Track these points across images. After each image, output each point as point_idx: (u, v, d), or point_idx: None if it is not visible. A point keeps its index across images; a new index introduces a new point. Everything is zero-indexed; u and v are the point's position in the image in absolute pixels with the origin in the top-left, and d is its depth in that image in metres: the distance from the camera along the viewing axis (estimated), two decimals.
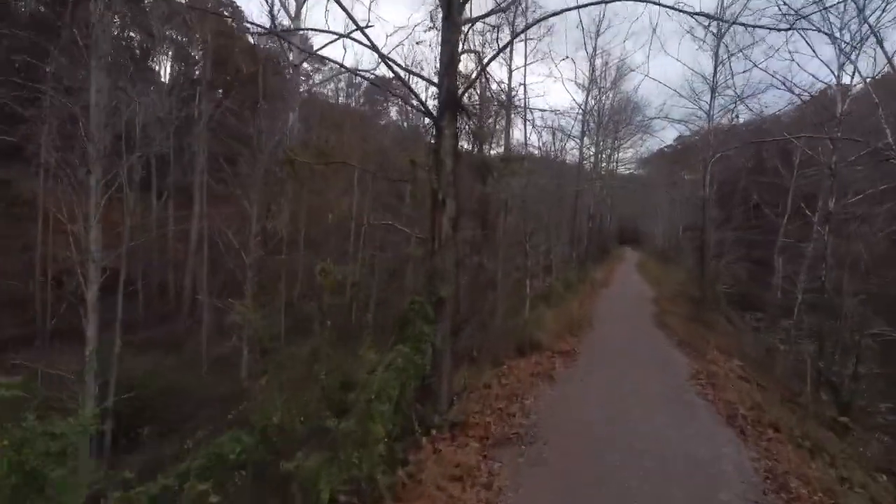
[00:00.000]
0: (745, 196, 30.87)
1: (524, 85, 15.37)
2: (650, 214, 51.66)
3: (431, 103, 6.69)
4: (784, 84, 10.75)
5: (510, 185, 15.20)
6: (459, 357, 9.90)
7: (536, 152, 29.76)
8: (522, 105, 15.76)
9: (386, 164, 18.38)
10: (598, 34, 23.47)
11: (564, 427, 6.35)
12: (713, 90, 15.15)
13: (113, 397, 10.28)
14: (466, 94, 8.04)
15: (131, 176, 12.61)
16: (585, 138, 27.62)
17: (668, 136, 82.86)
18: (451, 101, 6.01)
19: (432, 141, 6.03)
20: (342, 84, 31.98)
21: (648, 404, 7.25)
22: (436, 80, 6.19)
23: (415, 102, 6.45)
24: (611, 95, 28.75)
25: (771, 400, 8.67)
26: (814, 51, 10.21)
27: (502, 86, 14.11)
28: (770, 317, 24.06)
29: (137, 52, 24.27)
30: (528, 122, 15.54)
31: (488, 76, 7.03)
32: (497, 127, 14.96)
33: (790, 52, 11.32)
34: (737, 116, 14.96)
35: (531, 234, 16.53)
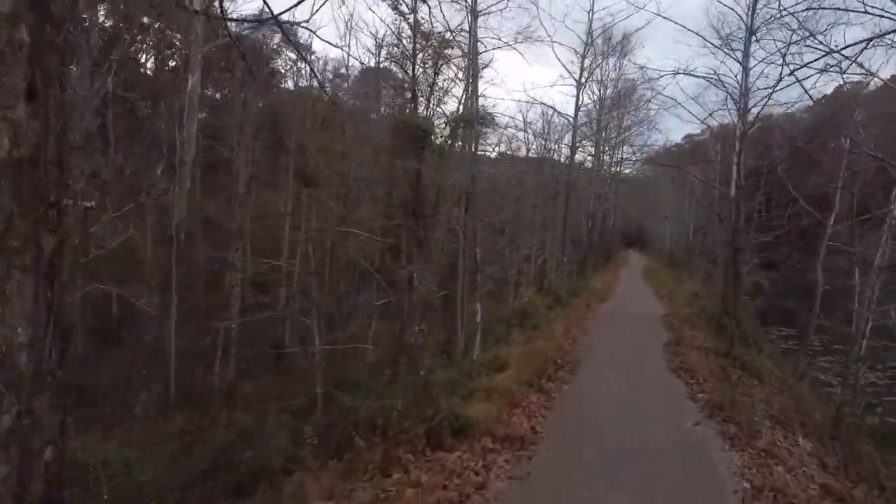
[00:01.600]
0: (767, 191, 26.75)
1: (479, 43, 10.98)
2: (657, 214, 47.09)
3: None
4: None
5: (467, 167, 10.98)
6: (325, 446, 5.69)
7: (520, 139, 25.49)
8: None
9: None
10: None
11: None
12: (750, 31, 10.69)
13: None
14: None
15: None
16: (582, 120, 23.35)
17: (676, 135, 78.45)
18: None
19: None
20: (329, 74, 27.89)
21: None
22: None
23: None
24: (612, 66, 24.43)
25: None
26: None
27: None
28: (803, 336, 19.99)
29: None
30: (480, 76, 11.05)
31: None
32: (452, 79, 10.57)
33: None
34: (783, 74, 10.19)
35: (499, 233, 12.27)
